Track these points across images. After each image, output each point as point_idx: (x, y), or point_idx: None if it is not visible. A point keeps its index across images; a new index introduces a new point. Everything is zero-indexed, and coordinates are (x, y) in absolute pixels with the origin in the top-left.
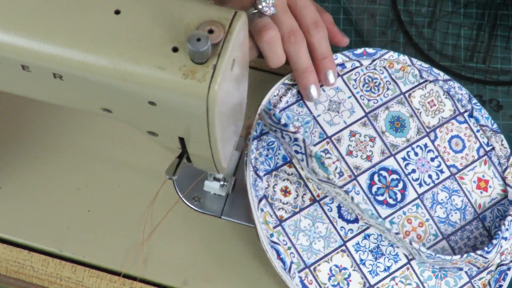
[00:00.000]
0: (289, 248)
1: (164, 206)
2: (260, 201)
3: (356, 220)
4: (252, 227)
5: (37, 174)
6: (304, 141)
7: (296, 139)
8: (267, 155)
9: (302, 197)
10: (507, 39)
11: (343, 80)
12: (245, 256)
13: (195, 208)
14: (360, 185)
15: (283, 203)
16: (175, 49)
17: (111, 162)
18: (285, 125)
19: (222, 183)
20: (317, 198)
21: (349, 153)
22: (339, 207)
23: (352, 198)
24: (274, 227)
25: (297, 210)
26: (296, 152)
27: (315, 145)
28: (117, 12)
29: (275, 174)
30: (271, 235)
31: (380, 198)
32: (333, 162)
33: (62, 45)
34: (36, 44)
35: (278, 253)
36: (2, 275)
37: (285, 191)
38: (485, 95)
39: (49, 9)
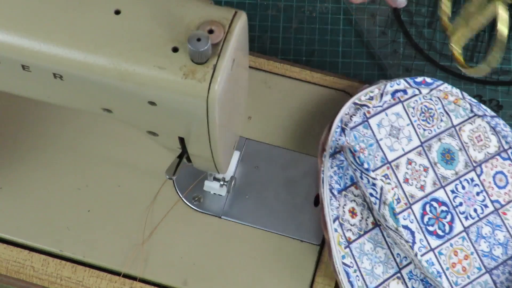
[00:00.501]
0: (355, 271)
1: (164, 206)
2: (334, 221)
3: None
4: (252, 227)
5: (37, 174)
6: (381, 188)
7: (374, 184)
8: (338, 174)
9: (366, 220)
10: (506, 39)
11: (403, 107)
12: (245, 256)
13: (195, 208)
14: (414, 213)
15: (351, 225)
16: (175, 49)
17: (111, 162)
18: (367, 169)
19: (222, 183)
20: (378, 223)
21: (406, 180)
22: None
23: (416, 254)
24: (345, 248)
25: (362, 232)
26: (371, 195)
27: (377, 169)
28: (117, 12)
29: (344, 194)
30: (343, 256)
31: (431, 228)
32: (392, 188)
33: (62, 45)
34: (36, 44)
35: (348, 275)
36: (3, 275)
37: (353, 213)
38: (485, 95)
39: (49, 9)
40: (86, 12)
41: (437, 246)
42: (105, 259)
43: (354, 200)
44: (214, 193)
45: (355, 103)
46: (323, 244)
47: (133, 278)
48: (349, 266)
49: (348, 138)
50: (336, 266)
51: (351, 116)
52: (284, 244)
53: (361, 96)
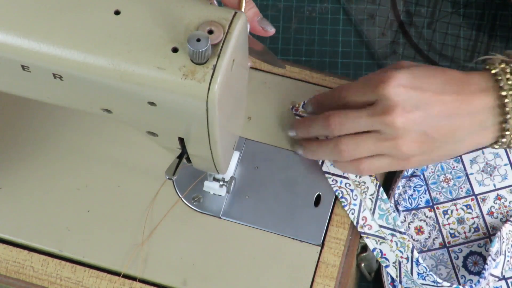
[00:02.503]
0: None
1: (164, 206)
2: None
3: (478, 273)
4: (252, 227)
5: (37, 175)
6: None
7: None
8: (411, 195)
9: (434, 239)
10: (506, 40)
11: (506, 150)
12: (245, 256)
13: (195, 208)
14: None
15: (413, 240)
16: (175, 50)
17: (111, 162)
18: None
19: (221, 183)
20: (447, 245)
21: (490, 213)
22: (465, 257)
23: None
24: None
25: (425, 249)
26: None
27: (459, 198)
28: (117, 12)
29: (414, 213)
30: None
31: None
32: (472, 218)
33: (62, 45)
34: (36, 44)
35: (393, 279)
36: (2, 275)
37: (419, 230)
38: None
39: (49, 9)
40: (86, 13)
41: (511, 277)
42: (104, 259)
43: (425, 221)
44: (214, 193)
45: None
46: (323, 244)
47: (133, 278)
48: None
49: (433, 167)
50: (382, 268)
51: None
52: (284, 244)
53: None
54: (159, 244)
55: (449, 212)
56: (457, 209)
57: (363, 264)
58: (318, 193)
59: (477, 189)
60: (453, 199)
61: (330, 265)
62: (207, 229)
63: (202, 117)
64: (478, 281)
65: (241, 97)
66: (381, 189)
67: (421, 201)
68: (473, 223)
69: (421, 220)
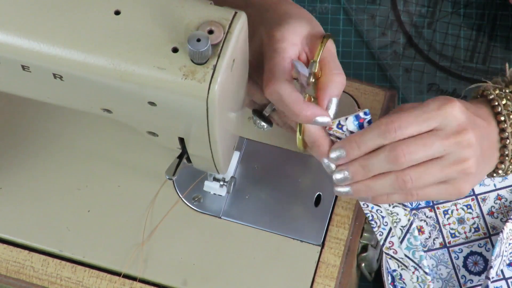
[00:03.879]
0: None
1: (164, 206)
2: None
3: (478, 273)
4: (252, 227)
5: (37, 174)
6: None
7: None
8: None
9: (434, 239)
10: (506, 40)
11: None
12: (245, 256)
13: (195, 208)
14: (492, 243)
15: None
16: (175, 50)
17: (111, 162)
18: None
19: (222, 183)
20: (448, 245)
21: (491, 213)
22: (466, 257)
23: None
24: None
25: (425, 249)
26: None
27: (460, 198)
28: (117, 12)
29: (414, 213)
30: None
31: (507, 260)
32: (472, 218)
33: (62, 45)
34: (36, 44)
35: (393, 279)
36: (2, 275)
37: (419, 230)
38: None
39: (49, 9)
40: (86, 13)
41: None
42: (105, 259)
43: (425, 220)
44: (214, 193)
45: None
46: (323, 244)
47: (133, 278)
48: (394, 271)
49: None
50: (382, 268)
51: None
52: (284, 244)
53: None
54: (159, 244)
55: (449, 212)
56: (457, 209)
57: (363, 264)
58: (318, 193)
59: (478, 189)
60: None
61: (330, 265)
62: (207, 229)
63: (202, 117)
64: None
65: (241, 97)
66: (414, 225)
67: (422, 201)
68: (474, 223)
69: (421, 220)
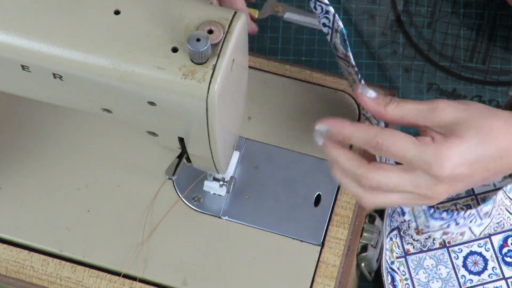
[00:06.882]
0: (406, 279)
1: (164, 206)
2: (392, 230)
3: (478, 273)
4: (252, 227)
5: (37, 174)
6: (334, 15)
7: (327, 12)
8: None
9: (434, 240)
10: (506, 40)
11: None
12: (245, 256)
13: (195, 208)
14: (492, 243)
15: (414, 240)
16: (174, 49)
17: (111, 162)
18: None
19: (221, 183)
20: (447, 245)
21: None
22: (465, 257)
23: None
24: (398, 257)
25: (425, 249)
26: (324, 25)
27: (460, 198)
28: (117, 12)
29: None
30: (392, 262)
31: (508, 259)
32: (473, 214)
33: (62, 45)
34: (36, 44)
35: (393, 279)
36: (2, 275)
37: (419, 231)
38: (485, 95)
39: (49, 9)
40: (85, 13)
41: (510, 277)
42: (105, 259)
43: None
44: (214, 193)
45: None
46: (323, 244)
47: (133, 278)
48: (396, 272)
49: (435, 220)
50: (382, 268)
51: None
52: (284, 244)
53: None
54: (159, 244)
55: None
56: (457, 209)
57: (363, 264)
58: (318, 193)
59: (477, 189)
60: (453, 199)
61: (330, 265)
62: (207, 229)
63: (202, 117)
64: (448, 225)
65: (241, 97)
66: None
67: None
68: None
69: None
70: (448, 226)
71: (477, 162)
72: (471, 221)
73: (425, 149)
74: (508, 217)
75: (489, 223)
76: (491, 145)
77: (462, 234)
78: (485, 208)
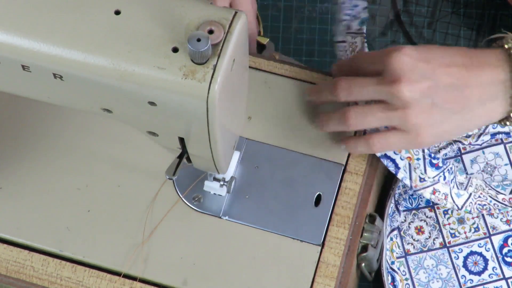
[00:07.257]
0: (406, 279)
1: (164, 206)
2: (392, 230)
3: (478, 273)
4: (252, 227)
5: (37, 174)
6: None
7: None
8: (412, 195)
9: (434, 239)
10: None
11: (505, 148)
12: (245, 256)
13: (195, 208)
14: (492, 243)
15: (414, 240)
16: (175, 49)
17: (111, 162)
18: None
19: (222, 183)
20: (448, 245)
21: (491, 213)
22: (465, 258)
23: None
24: (398, 257)
25: (425, 249)
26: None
27: (463, 203)
28: (117, 12)
29: (414, 213)
30: (392, 262)
31: (509, 259)
32: (472, 218)
33: (62, 45)
34: (36, 44)
35: (393, 279)
36: (2, 275)
37: (419, 230)
38: None
39: (49, 9)
40: (86, 12)
41: (510, 277)
42: (105, 259)
43: (425, 220)
44: (214, 193)
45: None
46: (324, 244)
47: (133, 278)
48: (396, 272)
49: (432, 168)
50: (382, 268)
51: (440, 149)
52: (284, 244)
53: None
54: (159, 244)
55: (449, 212)
56: (457, 209)
57: (363, 264)
58: (318, 193)
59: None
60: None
61: (330, 265)
62: (207, 229)
63: (202, 117)
64: (439, 178)
65: (241, 97)
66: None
67: (421, 201)
68: (473, 223)
69: (421, 220)
70: (439, 180)
71: (434, 59)
72: (452, 180)
73: (384, 49)
74: (495, 204)
75: (468, 198)
76: (442, 50)
77: (446, 197)
78: (460, 177)
